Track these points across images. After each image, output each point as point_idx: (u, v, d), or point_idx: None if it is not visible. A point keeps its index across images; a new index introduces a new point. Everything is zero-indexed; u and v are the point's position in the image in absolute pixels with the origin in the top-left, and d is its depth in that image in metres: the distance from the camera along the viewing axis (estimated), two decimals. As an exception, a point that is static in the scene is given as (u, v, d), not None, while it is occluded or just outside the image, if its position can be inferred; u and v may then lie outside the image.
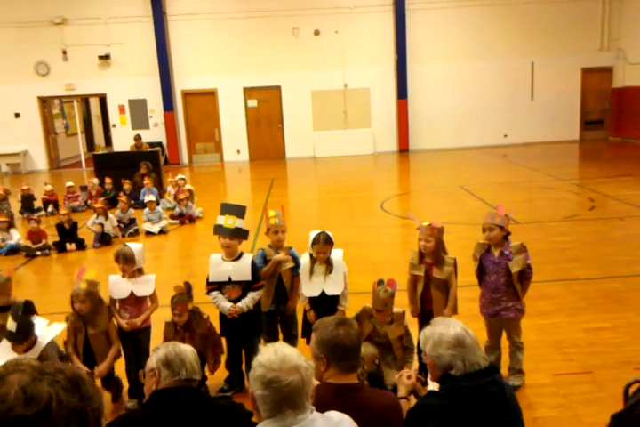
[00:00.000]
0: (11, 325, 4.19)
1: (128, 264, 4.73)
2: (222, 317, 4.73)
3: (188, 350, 2.75)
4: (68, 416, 1.21)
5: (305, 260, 4.77)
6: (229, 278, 4.67)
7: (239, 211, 4.76)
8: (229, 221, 4.68)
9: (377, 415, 2.61)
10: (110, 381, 4.64)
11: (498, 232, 4.49)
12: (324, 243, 4.63)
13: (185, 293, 4.57)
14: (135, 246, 4.84)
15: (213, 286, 4.72)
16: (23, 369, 1.25)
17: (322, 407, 2.27)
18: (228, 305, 4.61)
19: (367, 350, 4.41)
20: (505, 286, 4.54)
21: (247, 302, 4.61)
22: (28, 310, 4.43)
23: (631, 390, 2.90)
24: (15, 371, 1.25)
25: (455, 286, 4.66)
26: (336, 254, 4.76)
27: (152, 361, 2.72)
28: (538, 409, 4.19)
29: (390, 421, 2.65)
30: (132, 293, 4.75)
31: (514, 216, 9.85)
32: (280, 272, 4.95)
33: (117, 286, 4.75)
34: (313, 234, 4.73)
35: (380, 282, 4.44)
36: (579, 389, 4.40)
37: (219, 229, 4.74)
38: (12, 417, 1.17)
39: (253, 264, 4.74)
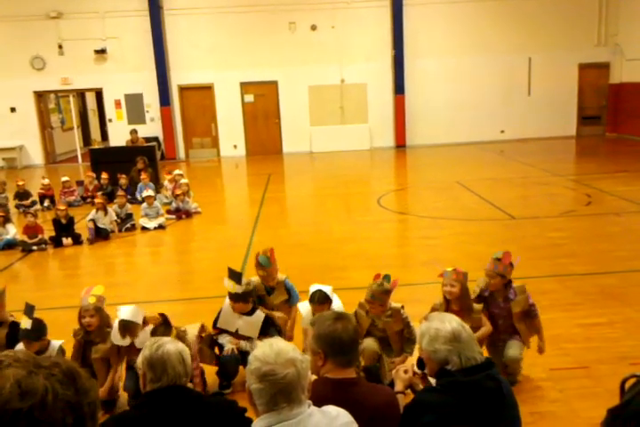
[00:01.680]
0: (26, 323, 4.23)
1: (132, 332, 4.41)
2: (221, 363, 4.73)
3: (172, 351, 2.63)
4: (63, 409, 1.21)
5: (306, 311, 4.58)
6: (236, 331, 4.73)
7: (236, 277, 4.70)
8: (231, 286, 4.67)
9: (374, 410, 2.62)
10: (111, 402, 4.51)
11: (499, 280, 4.43)
12: (318, 303, 4.45)
13: (162, 324, 4.42)
14: (128, 312, 4.43)
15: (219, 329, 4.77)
16: (19, 363, 1.25)
17: (319, 402, 2.27)
18: (229, 345, 4.66)
19: (368, 345, 4.43)
20: (512, 327, 4.54)
21: (249, 344, 4.64)
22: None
23: (627, 384, 2.92)
24: (11, 365, 1.24)
25: (483, 331, 4.48)
26: (337, 305, 4.56)
27: (139, 360, 2.67)
28: (534, 404, 4.20)
29: (387, 416, 2.66)
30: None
31: (512, 213, 9.89)
32: (275, 305, 4.93)
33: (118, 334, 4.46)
34: (312, 289, 4.56)
35: (386, 277, 4.42)
36: (575, 384, 4.42)
37: (232, 295, 4.70)
38: (8, 410, 1.16)
39: (265, 321, 4.71)
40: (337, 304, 4.56)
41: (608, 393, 4.08)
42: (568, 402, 4.23)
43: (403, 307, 4.51)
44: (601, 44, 18.93)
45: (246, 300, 4.68)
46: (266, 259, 4.87)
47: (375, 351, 4.43)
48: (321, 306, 4.45)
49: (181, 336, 4.39)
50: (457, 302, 4.45)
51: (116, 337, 4.40)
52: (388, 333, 4.45)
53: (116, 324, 4.42)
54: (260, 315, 4.74)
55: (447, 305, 4.49)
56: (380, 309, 4.40)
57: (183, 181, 11.89)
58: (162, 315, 4.46)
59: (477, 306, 4.53)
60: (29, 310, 4.30)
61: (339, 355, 2.67)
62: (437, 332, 2.63)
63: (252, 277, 5.15)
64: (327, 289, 4.54)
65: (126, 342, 4.39)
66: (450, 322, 2.66)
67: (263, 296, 4.97)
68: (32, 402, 1.17)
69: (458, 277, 4.46)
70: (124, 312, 4.38)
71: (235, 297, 4.65)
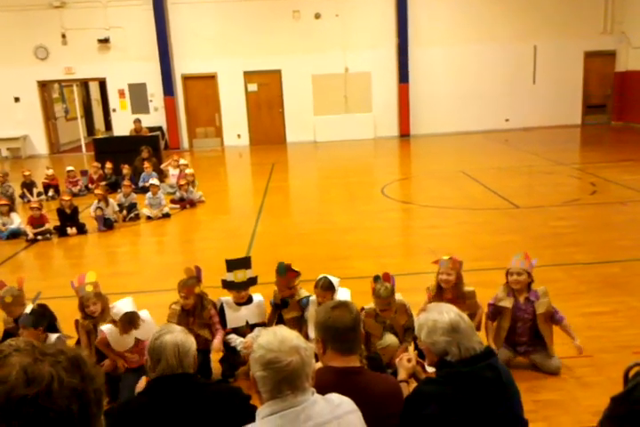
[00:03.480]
0: (28, 308, 4.27)
1: (135, 324, 4.37)
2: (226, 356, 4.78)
3: (169, 343, 2.61)
4: (69, 397, 1.22)
5: (312, 303, 4.66)
6: (247, 322, 4.77)
7: (245, 263, 4.77)
8: (239, 275, 4.68)
9: (377, 399, 2.63)
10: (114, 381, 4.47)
11: (526, 277, 4.41)
12: (322, 289, 4.47)
13: (194, 276, 4.58)
14: (128, 304, 4.37)
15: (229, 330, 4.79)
16: (24, 350, 1.27)
17: (322, 390, 2.28)
18: (238, 342, 4.68)
19: (392, 342, 4.43)
20: (530, 329, 4.52)
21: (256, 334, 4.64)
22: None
23: (631, 373, 2.92)
24: (16, 351, 1.26)
25: (480, 315, 4.57)
26: (342, 295, 4.58)
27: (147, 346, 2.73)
28: (538, 393, 4.22)
29: (390, 404, 2.67)
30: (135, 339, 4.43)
31: (516, 202, 9.87)
32: (285, 319, 4.89)
33: (117, 338, 4.36)
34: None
35: (377, 278, 4.38)
36: (578, 372, 4.43)
37: (232, 285, 4.73)
38: (14, 398, 1.17)
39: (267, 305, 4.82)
40: (344, 296, 4.58)
41: (611, 382, 4.09)
42: (571, 391, 4.24)
43: (402, 300, 4.51)
44: (607, 32, 18.78)
45: (252, 284, 4.76)
46: (283, 267, 4.76)
47: (397, 345, 4.45)
48: (324, 292, 4.47)
49: (204, 298, 4.62)
50: (451, 290, 4.48)
51: (116, 338, 4.32)
52: (396, 329, 4.47)
53: (108, 326, 4.34)
54: (259, 299, 4.80)
55: (440, 293, 4.50)
56: (391, 311, 4.40)
57: (188, 171, 11.87)
58: (197, 267, 4.69)
59: (469, 290, 4.55)
60: (36, 297, 4.34)
61: (337, 342, 2.68)
62: (435, 323, 2.62)
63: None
64: (334, 280, 4.56)
65: (130, 340, 4.37)
66: (448, 313, 2.65)
67: (278, 305, 4.96)
68: (38, 389, 1.18)
69: (454, 266, 4.48)
70: (125, 305, 4.33)
71: (240, 285, 4.67)
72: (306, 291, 4.92)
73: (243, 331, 4.77)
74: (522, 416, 2.65)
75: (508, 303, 4.47)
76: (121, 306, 4.32)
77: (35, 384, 1.18)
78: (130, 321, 4.30)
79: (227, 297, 4.83)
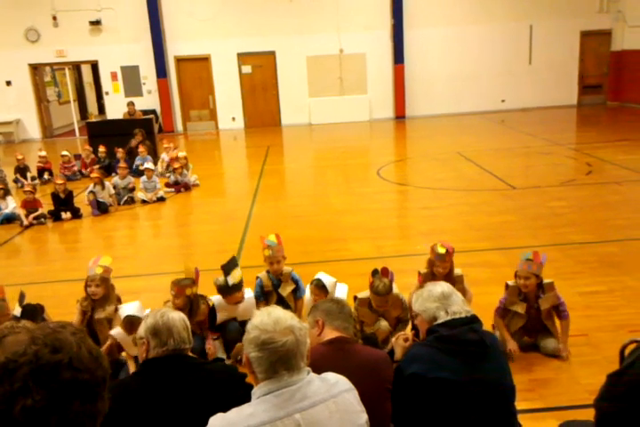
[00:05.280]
0: (16, 311, 4.24)
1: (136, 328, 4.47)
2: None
3: (176, 318, 2.72)
4: (94, 361, 1.29)
5: (307, 296, 4.69)
6: (235, 319, 4.76)
7: (235, 262, 4.72)
8: (237, 275, 4.63)
9: (369, 363, 2.74)
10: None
11: (534, 280, 4.35)
12: (316, 287, 4.56)
13: (191, 278, 4.49)
14: (134, 308, 4.43)
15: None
16: (18, 331, 1.30)
17: (315, 360, 2.31)
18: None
19: (381, 324, 4.43)
20: (540, 323, 4.49)
21: None
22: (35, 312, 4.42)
23: (627, 351, 2.93)
24: (10, 333, 1.29)
25: (469, 299, 4.51)
26: (340, 292, 4.62)
27: (141, 329, 2.73)
28: (534, 371, 4.24)
29: (381, 369, 2.77)
30: None
31: (513, 183, 9.86)
32: (284, 296, 4.92)
33: (128, 340, 4.34)
34: (318, 276, 4.66)
35: (375, 272, 4.33)
36: (575, 351, 4.44)
37: (232, 288, 4.65)
38: (46, 365, 1.22)
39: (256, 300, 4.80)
40: (342, 293, 4.61)
41: (607, 360, 4.11)
42: (567, 369, 4.26)
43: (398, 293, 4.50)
44: (603, 11, 18.61)
45: (242, 286, 4.74)
46: (273, 240, 4.90)
47: (389, 329, 4.45)
48: (318, 289, 4.54)
49: (199, 298, 4.53)
50: (443, 279, 4.46)
51: (120, 334, 4.36)
52: (388, 320, 4.47)
53: (117, 331, 4.37)
54: (250, 296, 4.77)
55: (432, 278, 4.50)
56: (387, 304, 4.39)
57: (181, 153, 11.79)
58: (196, 270, 4.56)
59: (459, 274, 4.54)
60: (21, 298, 4.29)
61: (336, 320, 2.86)
62: (429, 293, 2.85)
63: (259, 273, 5.11)
64: (331, 280, 4.58)
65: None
66: (441, 286, 2.90)
67: (270, 292, 4.95)
68: (70, 355, 1.25)
69: (449, 258, 4.48)
70: (129, 309, 4.40)
71: (235, 287, 4.64)
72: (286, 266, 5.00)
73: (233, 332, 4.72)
74: (507, 381, 2.75)
75: (520, 309, 4.42)
76: (125, 309, 4.38)
77: (63, 351, 1.24)
78: (130, 324, 4.28)
79: (217, 296, 4.75)
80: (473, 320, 2.76)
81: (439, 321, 2.75)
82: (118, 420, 2.27)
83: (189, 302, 4.44)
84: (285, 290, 4.89)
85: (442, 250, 4.48)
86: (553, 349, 4.41)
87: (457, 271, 4.62)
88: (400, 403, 2.74)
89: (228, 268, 4.65)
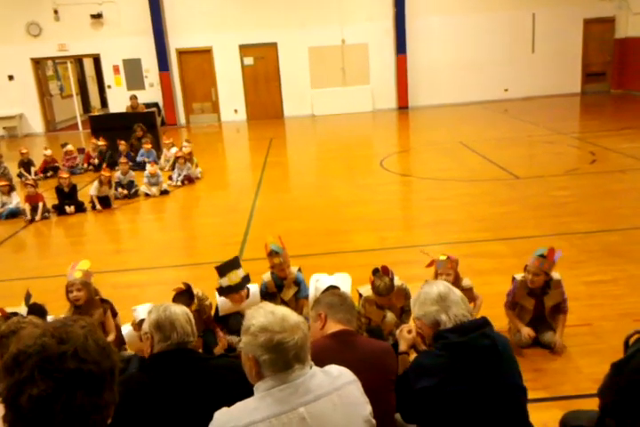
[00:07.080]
0: (22, 310, 4.23)
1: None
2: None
3: (179, 312, 2.71)
4: (101, 353, 1.33)
5: (312, 296, 4.57)
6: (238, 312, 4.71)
7: (234, 263, 4.63)
8: (233, 277, 4.56)
9: (373, 354, 2.73)
10: None
11: (542, 277, 4.30)
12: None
13: (184, 292, 4.44)
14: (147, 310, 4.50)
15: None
16: (24, 326, 1.35)
17: (318, 352, 2.31)
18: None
19: (388, 316, 4.43)
20: (543, 318, 4.47)
21: None
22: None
23: (631, 340, 2.93)
24: (19, 328, 1.35)
25: (479, 306, 4.49)
26: (344, 284, 4.52)
27: (145, 324, 2.75)
28: (537, 361, 4.24)
29: (385, 360, 2.76)
30: None
31: (516, 172, 9.83)
32: (286, 300, 4.87)
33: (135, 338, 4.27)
34: (320, 279, 4.55)
35: (375, 271, 4.30)
36: (578, 340, 4.44)
37: (230, 289, 4.59)
38: (52, 355, 1.27)
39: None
40: (346, 284, 4.56)
41: (611, 350, 4.09)
42: (571, 359, 4.26)
43: (403, 284, 4.48)
44: (606, -2, 18.49)
45: (247, 281, 4.69)
46: (277, 245, 4.81)
47: (396, 321, 4.45)
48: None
49: (203, 305, 4.50)
50: None
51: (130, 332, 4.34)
52: (393, 311, 4.47)
53: (127, 329, 4.36)
54: (254, 290, 4.73)
55: None
56: (391, 301, 4.37)
57: (185, 149, 11.62)
58: (186, 284, 4.48)
59: (467, 286, 4.50)
60: (27, 297, 4.29)
61: (338, 313, 2.85)
62: (425, 295, 2.71)
63: (263, 274, 5.05)
64: (330, 280, 4.53)
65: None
66: (437, 286, 2.74)
67: (274, 294, 4.93)
68: (75, 346, 1.30)
69: (452, 266, 4.44)
70: (143, 311, 4.27)
71: (232, 288, 4.58)
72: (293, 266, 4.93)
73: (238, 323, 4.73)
74: (520, 384, 2.65)
75: (529, 304, 4.41)
76: (140, 311, 4.30)
77: (70, 342, 1.29)
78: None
79: (221, 298, 4.70)
80: (484, 324, 2.63)
81: (447, 326, 2.61)
82: (122, 415, 2.28)
83: (196, 314, 4.40)
84: (287, 295, 4.86)
85: (442, 257, 4.47)
86: (548, 340, 4.40)
87: (466, 282, 4.53)
88: (410, 415, 2.70)
89: (224, 269, 4.58)
